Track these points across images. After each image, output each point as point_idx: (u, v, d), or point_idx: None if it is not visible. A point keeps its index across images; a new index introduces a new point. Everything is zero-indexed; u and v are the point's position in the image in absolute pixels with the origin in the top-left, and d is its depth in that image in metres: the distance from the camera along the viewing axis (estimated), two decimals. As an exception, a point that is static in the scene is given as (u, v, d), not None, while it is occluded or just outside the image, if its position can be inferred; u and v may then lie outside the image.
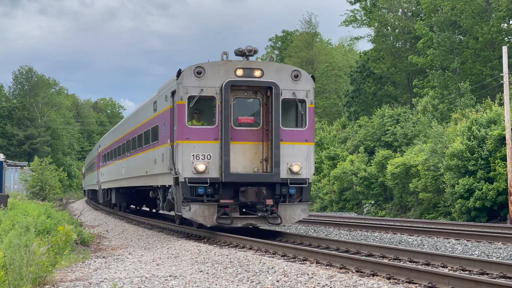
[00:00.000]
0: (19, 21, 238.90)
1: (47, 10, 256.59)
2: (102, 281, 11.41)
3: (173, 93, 19.21)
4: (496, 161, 33.08)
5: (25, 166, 67.61)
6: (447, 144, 37.39)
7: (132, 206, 37.78)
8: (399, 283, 10.54)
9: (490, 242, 18.27)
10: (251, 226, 19.37)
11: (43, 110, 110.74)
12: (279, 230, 21.20)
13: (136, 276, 12.09)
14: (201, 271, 12.87)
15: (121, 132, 32.70)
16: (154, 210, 35.85)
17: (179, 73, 18.62)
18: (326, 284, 10.29)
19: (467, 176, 34.10)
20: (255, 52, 19.21)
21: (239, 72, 18.75)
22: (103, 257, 16.12)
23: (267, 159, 18.84)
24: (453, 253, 15.58)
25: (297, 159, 18.90)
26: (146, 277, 11.88)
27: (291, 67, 19.71)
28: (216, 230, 19.21)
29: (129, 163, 28.53)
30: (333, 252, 14.25)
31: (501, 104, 39.16)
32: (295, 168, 18.76)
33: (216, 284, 11.08)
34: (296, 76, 19.21)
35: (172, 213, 23.04)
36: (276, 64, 19.53)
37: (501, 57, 38.43)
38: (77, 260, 15.03)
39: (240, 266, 12.93)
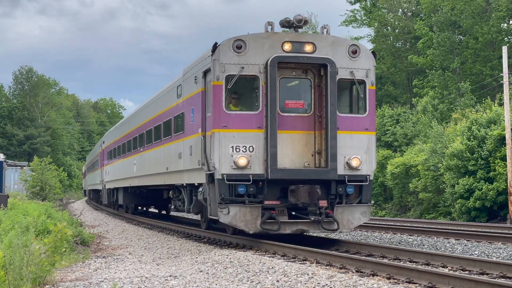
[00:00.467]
0: (19, 21, 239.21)
1: (47, 10, 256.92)
2: (102, 281, 11.41)
3: (205, 72, 16.33)
4: (496, 161, 33.09)
5: (25, 166, 67.62)
6: (447, 144, 37.40)
7: (139, 207, 35.04)
8: (399, 283, 10.53)
9: (490, 242, 18.26)
10: (301, 233, 16.50)
11: (43, 110, 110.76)
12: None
13: (136, 276, 12.09)
14: (201, 271, 12.86)
15: (132, 125, 29.27)
16: (164, 212, 33.35)
17: (215, 47, 15.62)
18: (326, 284, 10.29)
19: (467, 176, 34.10)
20: (306, 22, 16.20)
21: (287, 46, 15.78)
22: (103, 257, 16.12)
23: (320, 151, 15.90)
24: (453, 253, 15.57)
25: (356, 151, 16.01)
26: (146, 277, 11.87)
27: (348, 41, 16.83)
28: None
29: (143, 159, 25.46)
30: (333, 252, 14.24)
31: (501, 104, 39.16)
32: (354, 163, 15.89)
33: (216, 284, 11.08)
34: (355, 52, 16.23)
35: (193, 216, 20.69)
36: (330, 37, 16.36)
37: (501, 57, 38.43)
38: (77, 260, 15.03)
39: (240, 266, 12.92)
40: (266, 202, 15.57)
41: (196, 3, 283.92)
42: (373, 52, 16.66)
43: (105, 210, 43.19)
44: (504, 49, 33.48)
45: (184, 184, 19.14)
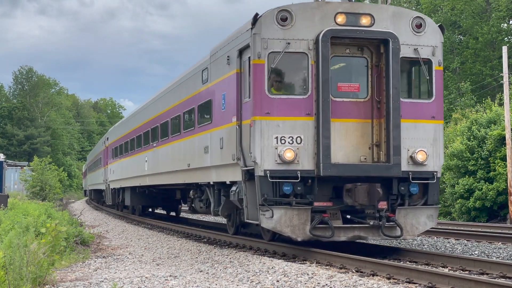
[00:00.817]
0: (19, 21, 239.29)
1: (47, 10, 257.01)
2: (102, 281, 11.41)
3: (241, 51, 14.11)
4: (496, 161, 33.11)
5: (25, 166, 67.66)
6: (447, 144, 37.42)
7: (146, 209, 32.88)
8: (399, 283, 10.53)
9: (490, 242, 18.26)
10: (357, 240, 14.18)
11: (43, 110, 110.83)
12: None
13: (136, 276, 12.09)
14: (201, 271, 12.87)
15: (142, 119, 26.64)
16: (173, 214, 31.50)
17: (255, 19, 13.30)
18: (326, 284, 10.29)
19: (467, 176, 34.12)
20: None
21: (340, 18, 13.47)
22: (103, 257, 16.12)
23: (379, 143, 13.66)
24: (453, 253, 15.57)
25: (422, 143, 13.73)
26: (146, 277, 11.87)
27: (412, 13, 14.26)
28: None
29: (157, 155, 22.98)
30: (333, 252, 14.22)
31: (501, 104, 39.18)
32: (420, 157, 13.58)
33: (216, 284, 11.07)
34: (419, 26, 13.87)
35: (209, 218, 18.47)
36: (391, 8, 14.18)
37: (501, 57, 38.46)
38: (77, 260, 15.03)
39: (240, 266, 12.93)
40: (316, 204, 13.37)
41: (196, 3, 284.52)
42: (441, 26, 14.32)
43: (105, 210, 43.17)
44: (504, 49, 33.50)
45: (211, 183, 16.82)
